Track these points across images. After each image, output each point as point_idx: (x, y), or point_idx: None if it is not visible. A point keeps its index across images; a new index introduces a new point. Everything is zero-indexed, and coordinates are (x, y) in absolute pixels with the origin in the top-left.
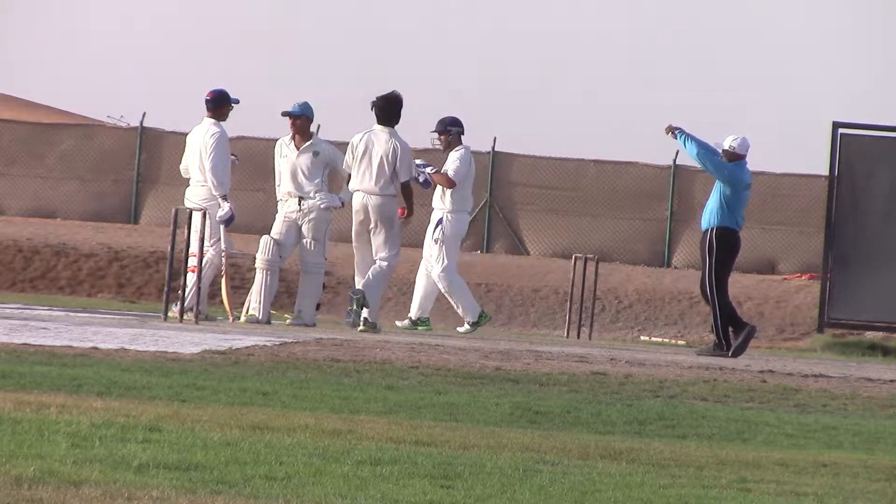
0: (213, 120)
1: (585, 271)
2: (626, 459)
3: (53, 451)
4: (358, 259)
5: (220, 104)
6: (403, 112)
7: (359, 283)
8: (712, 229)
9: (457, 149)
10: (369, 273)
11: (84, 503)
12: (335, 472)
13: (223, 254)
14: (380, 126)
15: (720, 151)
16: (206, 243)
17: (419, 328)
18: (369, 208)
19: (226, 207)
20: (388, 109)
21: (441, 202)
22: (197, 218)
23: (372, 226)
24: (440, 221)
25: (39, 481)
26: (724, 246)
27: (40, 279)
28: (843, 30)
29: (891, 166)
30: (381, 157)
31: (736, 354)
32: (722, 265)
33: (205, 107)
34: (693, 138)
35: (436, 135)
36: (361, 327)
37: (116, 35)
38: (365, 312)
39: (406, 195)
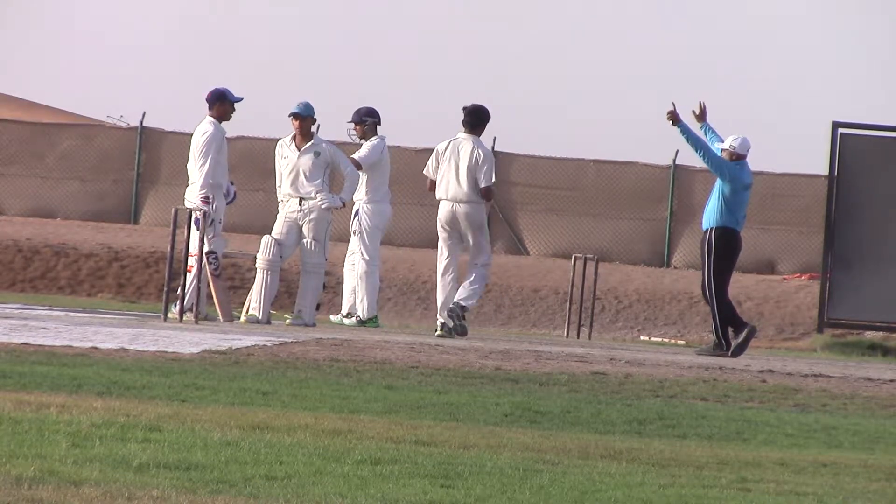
0: (211, 119)
1: (585, 271)
2: (626, 459)
3: (53, 451)
4: (444, 267)
5: (214, 103)
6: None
7: (441, 294)
8: (712, 229)
9: (371, 139)
10: (472, 280)
11: (84, 503)
12: (335, 471)
13: (212, 254)
14: (465, 134)
15: (720, 150)
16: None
17: (368, 325)
18: (458, 216)
19: (202, 207)
20: (477, 118)
21: (358, 193)
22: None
23: (463, 233)
24: (357, 213)
25: (39, 481)
26: (724, 246)
27: (40, 279)
28: (843, 30)
29: (891, 166)
30: (467, 165)
31: (736, 354)
32: (722, 265)
33: (208, 107)
34: (692, 135)
35: (352, 125)
36: (439, 332)
37: (116, 35)
38: (457, 297)
39: (487, 200)
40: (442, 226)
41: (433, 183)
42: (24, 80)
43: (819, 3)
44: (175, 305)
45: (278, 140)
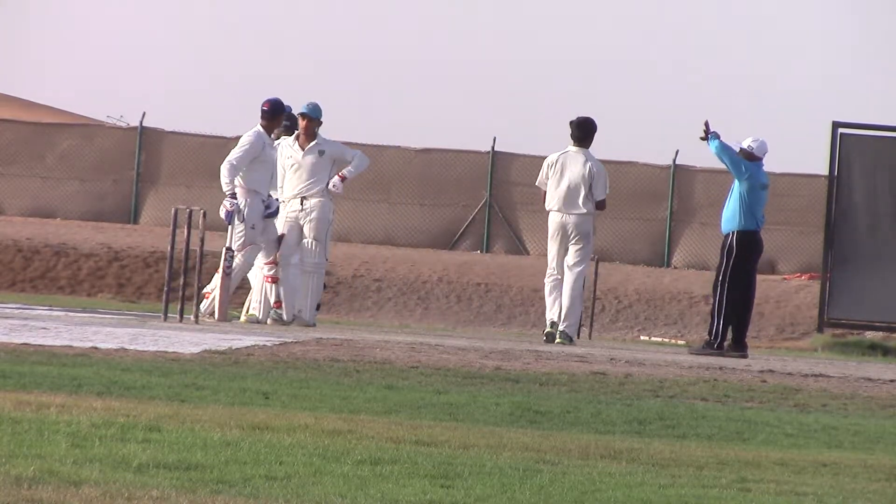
0: (259, 129)
1: None
2: (626, 459)
3: (53, 451)
4: (553, 278)
5: (275, 115)
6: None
7: (550, 304)
8: (733, 233)
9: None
10: (568, 291)
11: (84, 503)
12: (335, 472)
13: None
14: (575, 147)
15: (737, 150)
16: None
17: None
18: (569, 226)
19: (226, 204)
20: (585, 131)
21: None
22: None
23: (570, 241)
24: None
25: (39, 481)
26: (746, 249)
27: (40, 279)
28: (843, 30)
29: (891, 166)
30: (579, 178)
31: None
32: (742, 267)
33: (260, 115)
34: (720, 139)
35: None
36: (559, 340)
37: (116, 35)
38: (562, 325)
39: (599, 211)
40: (552, 236)
41: (545, 195)
42: (24, 80)
43: (820, 3)
44: (203, 307)
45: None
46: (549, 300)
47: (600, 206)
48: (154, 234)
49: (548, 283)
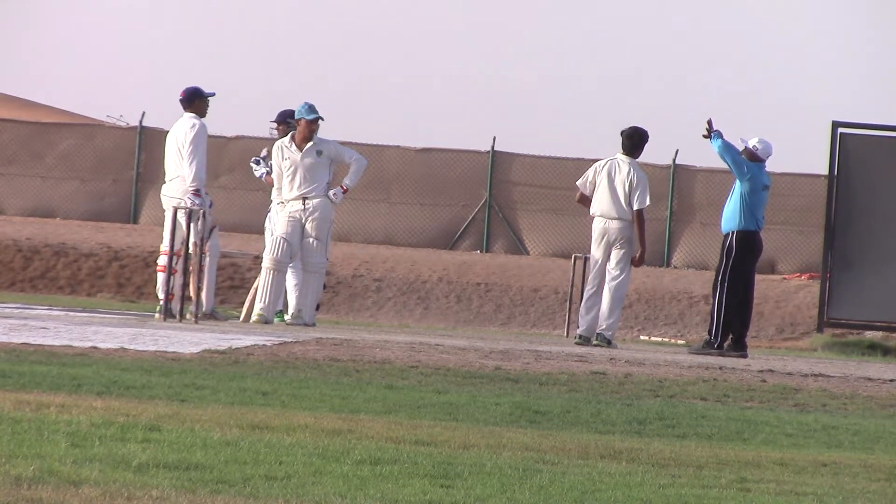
0: (193, 115)
1: (585, 271)
2: (626, 459)
3: (53, 450)
4: (593, 282)
5: (193, 100)
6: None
7: (585, 307)
8: (733, 233)
9: None
10: (610, 293)
11: (84, 503)
12: (335, 471)
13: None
14: (623, 156)
15: (740, 149)
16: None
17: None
18: (612, 232)
19: (195, 200)
20: (636, 141)
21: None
22: (182, 216)
23: (611, 247)
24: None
25: (39, 481)
26: (745, 249)
27: (40, 279)
28: (843, 30)
29: (891, 166)
30: (621, 185)
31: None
32: (741, 267)
33: (181, 106)
34: (723, 138)
35: (275, 125)
36: (596, 342)
37: (116, 35)
38: (600, 328)
39: (639, 222)
40: (595, 240)
41: (583, 196)
42: (24, 80)
43: (820, 4)
44: (193, 308)
45: (276, 141)
46: (583, 309)
47: (638, 215)
48: (154, 234)
49: (589, 294)
